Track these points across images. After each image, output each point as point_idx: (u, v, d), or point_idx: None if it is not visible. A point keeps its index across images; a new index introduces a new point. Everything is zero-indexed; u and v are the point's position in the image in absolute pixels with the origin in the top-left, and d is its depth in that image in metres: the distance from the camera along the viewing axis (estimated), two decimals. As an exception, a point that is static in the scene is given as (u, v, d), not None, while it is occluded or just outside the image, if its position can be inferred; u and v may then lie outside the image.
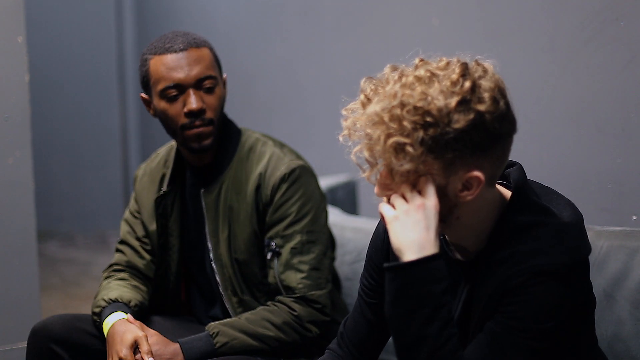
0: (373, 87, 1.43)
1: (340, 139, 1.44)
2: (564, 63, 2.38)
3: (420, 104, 1.36)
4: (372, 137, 1.38)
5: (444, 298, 1.39)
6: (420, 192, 1.40)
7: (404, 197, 1.42)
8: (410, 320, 1.38)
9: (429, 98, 1.36)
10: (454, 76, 1.38)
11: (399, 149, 1.36)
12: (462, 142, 1.37)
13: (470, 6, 2.77)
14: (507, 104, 1.41)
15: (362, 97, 1.44)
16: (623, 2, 2.18)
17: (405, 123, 1.36)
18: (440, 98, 1.36)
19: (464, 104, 1.36)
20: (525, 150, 2.19)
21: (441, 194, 1.41)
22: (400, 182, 1.40)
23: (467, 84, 1.37)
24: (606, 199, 2.26)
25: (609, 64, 2.23)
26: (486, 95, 1.37)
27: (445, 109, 1.36)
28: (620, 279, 1.82)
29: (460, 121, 1.36)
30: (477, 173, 1.39)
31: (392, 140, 1.36)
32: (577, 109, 2.34)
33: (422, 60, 1.44)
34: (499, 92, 1.39)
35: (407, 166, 1.37)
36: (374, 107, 1.39)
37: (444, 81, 1.37)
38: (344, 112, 1.45)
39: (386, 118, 1.37)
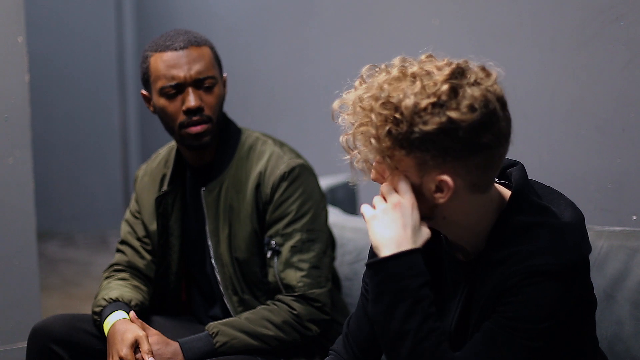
0: (371, 75, 1.45)
1: (340, 121, 1.47)
2: (564, 63, 2.37)
3: (393, 100, 1.38)
4: (348, 123, 1.43)
5: (422, 292, 1.40)
6: (396, 190, 1.43)
7: (384, 197, 1.44)
8: (390, 316, 1.40)
9: (402, 95, 1.37)
10: (439, 77, 1.38)
11: (366, 138, 1.40)
12: (430, 143, 1.37)
13: (470, 6, 2.77)
14: (488, 115, 1.37)
15: (356, 82, 1.47)
16: (623, 2, 2.18)
17: (374, 115, 1.39)
18: (412, 97, 1.37)
19: (437, 106, 1.36)
20: (525, 150, 2.19)
21: (418, 193, 1.43)
22: (373, 170, 1.44)
23: (445, 87, 1.36)
24: (606, 199, 2.25)
25: (609, 64, 2.22)
26: (464, 102, 1.36)
27: (414, 108, 1.36)
28: (620, 279, 1.82)
29: (429, 123, 1.36)
30: (446, 177, 1.39)
31: (361, 129, 1.40)
32: (577, 109, 2.34)
33: (429, 55, 1.45)
34: (482, 102, 1.37)
35: (370, 156, 1.41)
36: (353, 95, 1.43)
37: (429, 81, 1.38)
38: (343, 95, 1.48)
39: (359, 107, 1.41)
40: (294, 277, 2.11)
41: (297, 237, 2.12)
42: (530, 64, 2.48)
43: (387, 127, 1.37)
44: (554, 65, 2.41)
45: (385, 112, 1.37)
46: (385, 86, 1.39)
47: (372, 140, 1.38)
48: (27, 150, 2.77)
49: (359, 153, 1.43)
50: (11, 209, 2.76)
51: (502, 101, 1.41)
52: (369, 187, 1.52)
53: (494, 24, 2.65)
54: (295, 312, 2.09)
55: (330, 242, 2.25)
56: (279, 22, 4.15)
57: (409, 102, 1.36)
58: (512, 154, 1.50)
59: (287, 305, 2.10)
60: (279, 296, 2.12)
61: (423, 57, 1.45)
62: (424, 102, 1.36)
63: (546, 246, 1.41)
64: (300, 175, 2.16)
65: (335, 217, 2.62)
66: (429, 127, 1.36)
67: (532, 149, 2.43)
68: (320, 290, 2.12)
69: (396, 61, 1.45)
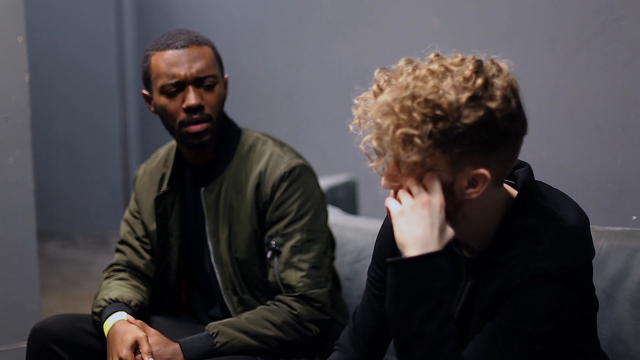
0: (386, 78, 1.43)
1: (351, 128, 1.44)
2: (564, 63, 2.38)
3: (431, 97, 1.36)
4: (382, 127, 1.39)
5: (445, 296, 1.39)
6: (427, 189, 1.41)
7: (410, 193, 1.42)
8: (409, 316, 1.38)
9: (441, 92, 1.37)
10: (467, 72, 1.38)
11: (407, 140, 1.37)
12: (470, 138, 1.37)
13: (470, 6, 2.77)
14: (518, 103, 1.41)
15: (374, 87, 1.44)
16: (623, 2, 2.18)
17: (415, 115, 1.36)
18: (451, 92, 1.36)
19: (475, 100, 1.37)
20: (525, 150, 2.19)
21: (447, 191, 1.41)
22: (406, 174, 1.41)
23: (480, 81, 1.37)
24: (606, 199, 2.25)
25: (609, 64, 2.23)
26: (498, 93, 1.38)
27: (456, 103, 1.36)
28: (620, 279, 1.82)
29: (470, 117, 1.36)
30: (484, 171, 1.39)
31: (400, 131, 1.37)
32: (577, 109, 2.34)
33: (437, 55, 1.45)
34: (511, 91, 1.40)
35: (414, 158, 1.37)
36: (385, 97, 1.40)
37: (457, 76, 1.38)
38: (356, 101, 1.46)
39: (396, 109, 1.38)
40: (294, 277, 2.11)
41: (297, 237, 2.12)
42: (530, 64, 2.48)
43: (428, 126, 1.36)
44: (554, 65, 2.41)
45: (425, 110, 1.36)
46: (419, 84, 1.38)
47: (417, 141, 1.36)
48: (27, 150, 2.77)
49: (391, 157, 1.40)
50: (11, 209, 2.76)
51: (519, 89, 1.43)
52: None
53: (493, 24, 2.65)
54: (295, 312, 2.09)
55: (330, 242, 2.25)
56: (279, 22, 4.15)
57: (450, 97, 1.36)
58: (512, 153, 1.50)
59: (287, 305, 2.10)
60: (279, 296, 2.12)
61: (432, 55, 1.45)
62: (464, 97, 1.36)
63: (549, 249, 1.41)
64: (301, 175, 2.16)
65: (335, 217, 2.62)
66: (470, 121, 1.36)
67: (532, 148, 2.43)
68: (320, 291, 2.12)
69: (402, 62, 1.45)
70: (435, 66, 1.40)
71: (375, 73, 1.46)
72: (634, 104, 2.17)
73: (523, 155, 1.62)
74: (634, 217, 2.18)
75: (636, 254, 1.82)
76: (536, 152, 2.44)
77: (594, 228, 1.91)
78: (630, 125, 2.18)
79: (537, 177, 1.60)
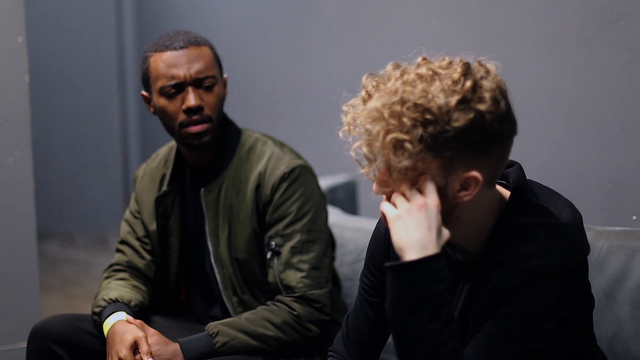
0: (374, 84, 1.43)
1: (340, 134, 1.44)
2: (564, 63, 2.38)
3: (420, 101, 1.36)
4: (372, 133, 1.38)
5: (445, 298, 1.39)
6: (421, 192, 1.41)
7: (404, 196, 1.42)
8: (411, 320, 1.38)
9: (430, 96, 1.36)
10: (456, 75, 1.38)
11: (397, 145, 1.37)
12: (461, 141, 1.37)
13: (470, 6, 2.77)
14: (507, 105, 1.41)
15: (363, 93, 1.44)
16: (623, 2, 2.18)
17: (405, 120, 1.36)
18: (440, 96, 1.36)
19: (464, 103, 1.36)
20: (525, 150, 2.19)
21: (440, 194, 1.41)
22: (398, 179, 1.41)
23: (468, 83, 1.37)
24: (606, 199, 2.26)
25: (609, 64, 2.23)
26: (487, 95, 1.38)
27: (445, 107, 1.36)
28: (620, 279, 1.82)
29: (460, 120, 1.36)
30: (475, 173, 1.39)
31: (391, 136, 1.37)
32: (577, 109, 2.34)
33: (424, 58, 1.44)
34: (500, 93, 1.40)
35: (405, 163, 1.37)
36: (374, 103, 1.39)
37: (445, 80, 1.38)
38: (344, 108, 1.45)
39: (386, 114, 1.37)
40: (294, 277, 2.11)
41: (297, 238, 2.12)
42: (530, 64, 2.48)
43: (418, 131, 1.36)
44: (554, 65, 2.41)
45: (415, 115, 1.36)
46: (408, 88, 1.38)
47: (408, 145, 1.36)
48: (27, 150, 2.77)
49: (382, 162, 1.39)
50: (11, 209, 2.76)
51: (508, 90, 1.43)
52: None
53: (494, 24, 2.65)
54: (295, 312, 2.09)
55: (330, 243, 2.25)
56: (279, 22, 4.15)
57: (439, 101, 1.36)
58: (512, 153, 1.51)
59: (287, 305, 2.10)
60: (279, 297, 2.12)
61: (419, 59, 1.45)
62: (453, 100, 1.36)
63: (546, 247, 1.41)
64: (301, 176, 2.16)
65: (335, 217, 2.62)
66: (460, 124, 1.35)
67: (532, 148, 2.43)
68: (320, 291, 2.12)
69: (389, 67, 1.45)
70: (423, 70, 1.40)
71: (363, 79, 1.46)
72: (634, 104, 2.17)
73: (523, 156, 1.63)
74: (634, 217, 2.18)
75: (636, 254, 1.82)
76: (536, 152, 2.44)
77: (594, 228, 1.91)
78: (630, 125, 2.18)
79: (538, 177, 1.60)
